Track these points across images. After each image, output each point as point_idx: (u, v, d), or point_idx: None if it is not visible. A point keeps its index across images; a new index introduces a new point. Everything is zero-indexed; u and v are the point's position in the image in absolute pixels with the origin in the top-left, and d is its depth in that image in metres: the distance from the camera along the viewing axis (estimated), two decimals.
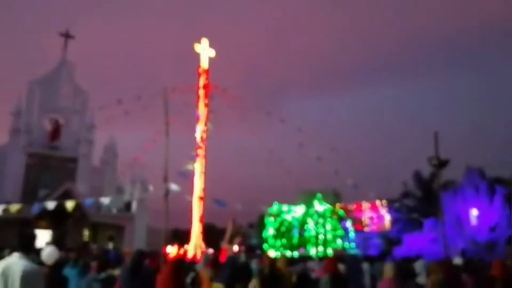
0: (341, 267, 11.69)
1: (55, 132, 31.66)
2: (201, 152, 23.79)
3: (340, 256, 14.45)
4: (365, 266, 12.75)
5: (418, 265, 13.10)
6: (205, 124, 23.66)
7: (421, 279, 12.06)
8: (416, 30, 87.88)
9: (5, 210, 25.82)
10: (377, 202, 27.41)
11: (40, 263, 7.39)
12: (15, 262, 3.92)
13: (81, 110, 32.79)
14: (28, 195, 29.89)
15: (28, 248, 4.20)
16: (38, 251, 7.18)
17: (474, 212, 26.44)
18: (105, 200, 15.03)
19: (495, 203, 25.79)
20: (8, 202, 26.91)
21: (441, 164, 14.48)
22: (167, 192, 11.51)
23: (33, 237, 4.39)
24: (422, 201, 31.11)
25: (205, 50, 23.63)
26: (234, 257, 8.04)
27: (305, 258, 17.26)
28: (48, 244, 22.86)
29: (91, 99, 34.86)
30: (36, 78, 34.20)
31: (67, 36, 34.71)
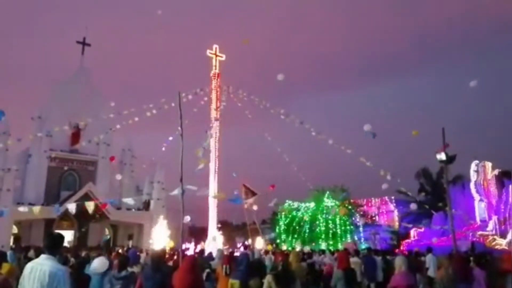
0: (356, 260, 12.27)
1: (75, 136, 32.74)
2: (213, 152, 24.71)
3: (354, 250, 15.07)
4: (378, 259, 13.20)
5: (428, 259, 13.57)
6: (214, 126, 24.58)
7: (431, 273, 12.59)
8: (424, 25, 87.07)
9: (30, 211, 27.23)
10: (386, 198, 27.94)
11: (65, 263, 7.91)
12: (43, 263, 4.04)
13: (99, 114, 33.92)
14: (51, 197, 31.05)
15: (56, 249, 4.28)
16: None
17: (482, 206, 26.82)
18: (128, 201, 15.94)
19: (503, 197, 26.12)
20: (31, 204, 28.26)
21: (449, 159, 14.95)
22: (183, 192, 12.35)
23: (61, 239, 4.44)
24: (431, 195, 31.46)
25: (216, 55, 24.53)
26: (248, 254, 8.52)
27: (314, 253, 17.98)
28: (70, 242, 23.95)
29: (108, 103, 36.05)
30: (56, 84, 35.46)
31: (84, 43, 36.02)
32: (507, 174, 27.60)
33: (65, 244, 23.79)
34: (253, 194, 21.05)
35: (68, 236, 30.65)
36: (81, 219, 30.97)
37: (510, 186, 25.98)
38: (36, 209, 27.19)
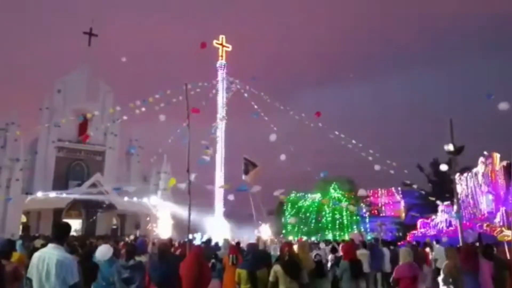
0: (363, 251, 12.29)
1: (83, 127, 32.99)
2: (220, 142, 24.80)
3: (361, 242, 15.08)
4: (385, 250, 13.15)
5: (437, 251, 13.54)
6: (221, 117, 24.63)
7: (440, 264, 12.59)
8: (429, 16, 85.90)
9: (38, 201, 27.67)
10: (393, 189, 27.93)
11: (72, 252, 7.99)
12: (50, 252, 4.06)
13: (106, 104, 34.12)
14: (59, 187, 31.44)
15: (63, 239, 4.31)
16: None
17: (490, 197, 26.66)
18: (130, 189, 16.11)
19: (511, 188, 25.91)
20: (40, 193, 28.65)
21: (457, 150, 14.77)
22: (190, 183, 12.41)
23: (67, 228, 4.46)
24: (438, 186, 31.33)
25: (222, 46, 24.50)
26: (254, 245, 8.55)
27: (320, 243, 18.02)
28: (78, 232, 24.14)
29: (116, 93, 36.34)
30: (64, 75, 35.71)
31: (90, 34, 36.10)
32: None
33: (73, 233, 24.12)
34: (254, 166, 21.05)
35: (76, 225, 31.02)
36: (89, 209, 31.33)
37: None
38: (43, 197, 27.80)
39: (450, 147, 14.14)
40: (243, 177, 21.09)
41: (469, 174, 27.90)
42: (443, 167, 14.67)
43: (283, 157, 18.75)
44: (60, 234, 4.32)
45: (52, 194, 28.88)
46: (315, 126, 21.93)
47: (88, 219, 31.63)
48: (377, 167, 16.64)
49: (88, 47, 36.46)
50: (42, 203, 28.64)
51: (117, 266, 6.68)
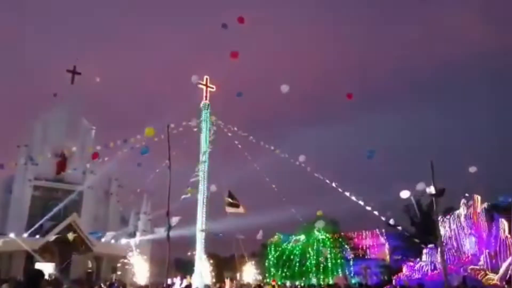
0: None
1: (61, 165, 32.29)
2: (202, 183, 24.36)
3: (345, 286, 14.72)
4: None
5: None
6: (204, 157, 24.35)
7: None
8: (409, 61, 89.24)
9: (10, 243, 26.51)
10: (377, 230, 27.68)
11: None
12: None
13: (86, 143, 33.60)
14: (33, 228, 30.26)
15: (34, 287, 4.21)
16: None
17: (473, 239, 26.58)
18: (109, 236, 15.59)
19: (493, 230, 25.93)
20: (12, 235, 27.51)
21: (438, 193, 14.75)
22: (169, 227, 12.02)
23: (39, 276, 4.37)
24: (422, 228, 31.20)
25: (207, 86, 24.59)
26: None
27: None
28: (51, 275, 23.07)
29: (97, 132, 35.90)
30: (43, 112, 35.23)
31: (74, 72, 35.97)
32: (496, 207, 27.49)
33: (46, 277, 22.99)
34: (237, 205, 20.86)
35: (50, 268, 29.65)
36: (64, 251, 30.10)
37: (500, 219, 25.85)
38: (15, 239, 26.70)
39: (431, 189, 14.11)
40: (227, 208, 20.80)
41: (452, 216, 27.93)
42: (404, 194, 14.83)
43: (285, 87, 18.35)
44: (32, 282, 4.24)
45: (25, 235, 27.76)
46: (300, 166, 21.84)
47: (62, 262, 30.29)
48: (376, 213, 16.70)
49: (71, 85, 36.23)
50: (14, 245, 27.45)
51: None
